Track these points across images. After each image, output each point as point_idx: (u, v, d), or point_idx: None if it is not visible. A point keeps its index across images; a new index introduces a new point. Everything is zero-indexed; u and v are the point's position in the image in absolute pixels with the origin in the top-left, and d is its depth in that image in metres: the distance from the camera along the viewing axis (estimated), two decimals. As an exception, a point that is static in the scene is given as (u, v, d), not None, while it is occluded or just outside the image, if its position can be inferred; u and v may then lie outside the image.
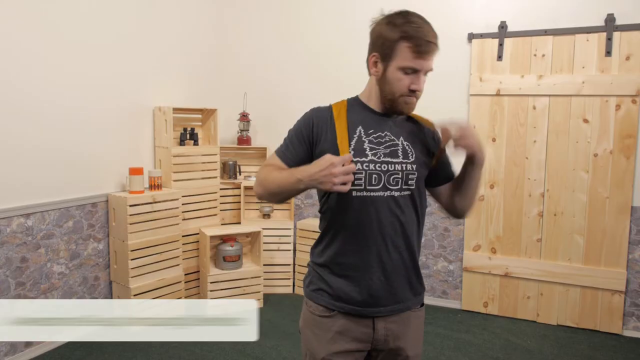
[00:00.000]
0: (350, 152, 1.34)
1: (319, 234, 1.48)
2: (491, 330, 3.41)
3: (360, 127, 1.39)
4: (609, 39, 3.25)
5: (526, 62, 3.49)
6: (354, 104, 1.45)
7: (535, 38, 3.45)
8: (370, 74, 1.42)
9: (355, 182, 1.32)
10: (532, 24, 3.47)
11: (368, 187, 1.35)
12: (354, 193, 1.34)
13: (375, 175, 1.35)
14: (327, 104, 1.48)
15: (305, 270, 1.63)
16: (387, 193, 1.36)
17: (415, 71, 1.31)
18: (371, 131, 1.38)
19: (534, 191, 3.53)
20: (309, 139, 1.41)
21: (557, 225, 3.48)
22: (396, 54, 1.30)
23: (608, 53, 3.27)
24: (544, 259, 3.53)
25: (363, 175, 1.34)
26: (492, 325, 3.50)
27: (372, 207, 1.35)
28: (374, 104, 1.42)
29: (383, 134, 1.39)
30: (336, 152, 1.33)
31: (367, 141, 1.37)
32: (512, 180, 3.58)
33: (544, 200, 3.51)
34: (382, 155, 1.36)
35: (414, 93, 1.34)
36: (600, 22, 3.29)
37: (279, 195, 1.37)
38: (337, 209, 1.38)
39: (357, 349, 1.40)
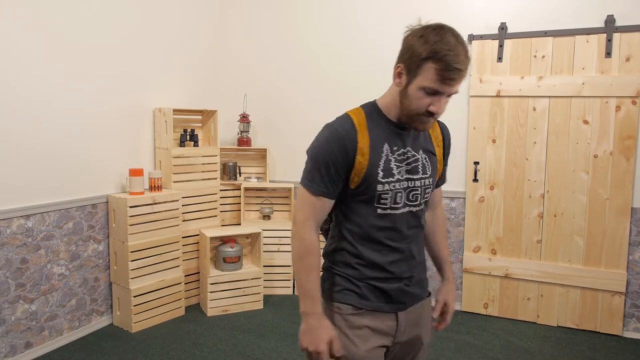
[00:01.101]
0: (379, 173, 1.33)
1: (334, 237, 1.46)
2: (491, 332, 3.41)
3: (386, 145, 1.35)
4: (609, 40, 3.26)
5: (526, 63, 3.49)
6: (373, 113, 1.37)
7: (535, 39, 3.45)
8: (395, 85, 1.33)
9: (381, 201, 1.35)
10: (532, 25, 3.48)
11: (392, 206, 1.37)
12: (378, 211, 1.37)
13: (399, 194, 1.37)
14: (344, 114, 1.37)
15: None
16: (407, 209, 1.40)
17: (437, 93, 1.24)
18: (395, 148, 1.36)
19: (534, 192, 3.53)
20: (345, 166, 1.32)
21: (557, 226, 3.48)
22: (421, 72, 1.22)
23: (608, 54, 3.27)
24: (544, 260, 3.53)
25: (390, 195, 1.36)
26: (492, 327, 3.49)
27: (395, 221, 1.39)
28: (394, 115, 1.36)
29: (405, 150, 1.38)
30: (368, 175, 1.33)
31: (392, 159, 1.35)
32: (512, 182, 3.58)
33: (544, 201, 3.51)
34: (405, 173, 1.37)
35: (432, 115, 1.27)
36: (600, 24, 3.30)
37: (296, 279, 1.40)
38: (360, 222, 1.39)
39: (384, 344, 1.42)
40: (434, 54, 1.19)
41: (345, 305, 1.41)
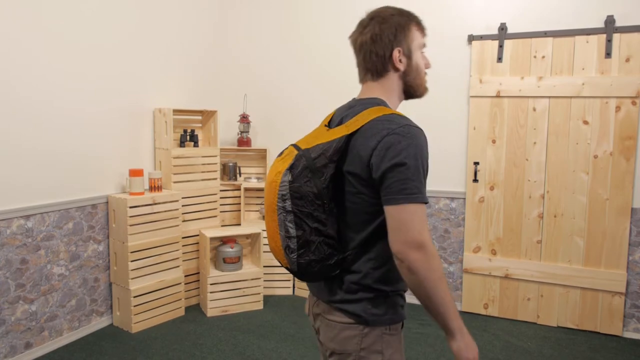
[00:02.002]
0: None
1: (371, 250, 1.28)
2: (491, 332, 3.41)
3: None
4: (609, 41, 3.26)
5: (526, 63, 3.49)
6: None
7: (535, 39, 3.46)
8: (394, 71, 1.31)
9: None
10: (532, 25, 3.48)
11: None
12: None
13: None
14: (399, 115, 1.24)
15: None
16: None
17: (424, 46, 1.37)
18: None
19: (534, 193, 3.53)
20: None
21: (557, 226, 3.48)
22: (412, 37, 1.32)
23: (608, 55, 3.27)
24: (544, 260, 3.53)
25: None
26: (492, 327, 3.49)
27: None
28: (393, 108, 1.35)
29: None
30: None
31: None
32: (512, 182, 3.58)
33: (544, 201, 3.51)
34: None
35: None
36: (600, 24, 3.30)
37: (427, 301, 1.18)
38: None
39: None
40: (411, 18, 1.32)
41: (398, 323, 1.31)
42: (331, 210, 1.26)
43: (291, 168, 1.22)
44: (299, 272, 1.28)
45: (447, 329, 1.19)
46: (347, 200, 1.27)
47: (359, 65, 1.35)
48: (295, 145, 1.28)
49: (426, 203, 1.17)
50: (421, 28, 1.34)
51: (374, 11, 1.33)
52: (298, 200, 1.22)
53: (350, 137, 1.24)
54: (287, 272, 4.04)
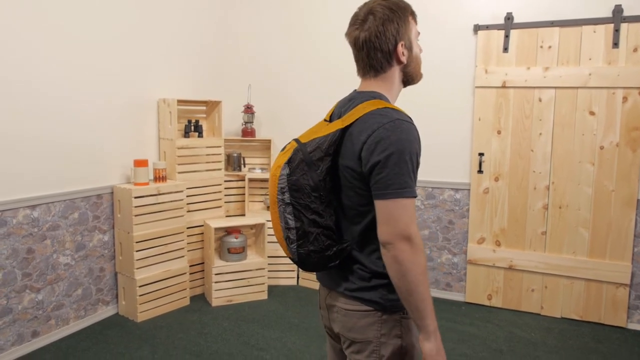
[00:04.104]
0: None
1: (373, 241, 1.29)
2: (495, 323, 3.42)
3: None
4: (617, 31, 3.22)
5: (532, 53, 3.46)
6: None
7: (541, 29, 3.42)
8: (397, 64, 1.31)
9: None
10: (538, 15, 3.44)
11: None
12: None
13: None
14: (395, 110, 1.23)
15: None
16: None
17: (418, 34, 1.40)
18: None
19: (539, 184, 3.52)
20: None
21: (562, 218, 3.47)
22: (410, 27, 1.33)
23: (615, 45, 3.24)
24: (549, 251, 3.52)
25: None
26: (496, 318, 3.50)
27: None
28: (393, 101, 1.36)
29: None
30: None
31: None
32: (517, 173, 3.57)
33: (549, 193, 3.50)
34: None
35: None
36: (608, 14, 3.26)
37: (407, 295, 1.17)
38: None
39: None
40: (407, 9, 1.33)
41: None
42: (329, 202, 1.28)
43: (289, 162, 1.25)
44: (300, 262, 1.31)
45: (422, 327, 1.19)
46: (343, 192, 1.30)
47: (360, 60, 1.33)
48: (296, 140, 1.30)
49: (415, 197, 1.18)
50: (414, 17, 1.35)
51: (368, 5, 1.30)
52: (295, 193, 1.25)
53: (345, 130, 1.26)
54: (292, 262, 4.06)
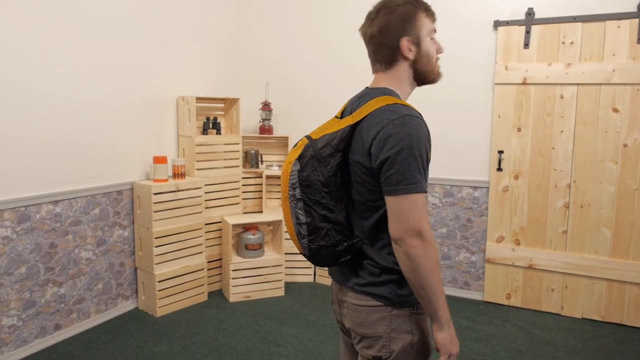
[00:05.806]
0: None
1: (383, 237, 1.30)
2: (514, 323, 3.38)
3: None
4: (642, 26, 3.15)
5: (554, 49, 3.40)
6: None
7: (563, 25, 3.36)
8: (404, 60, 1.31)
9: None
10: (560, 10, 3.38)
11: None
12: None
13: None
14: (403, 105, 1.23)
15: None
16: None
17: (434, 31, 1.35)
18: None
19: (560, 182, 3.46)
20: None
21: (584, 217, 3.41)
22: (420, 25, 1.30)
23: (640, 40, 3.17)
24: (570, 251, 3.46)
25: None
26: (515, 318, 3.46)
27: None
28: (404, 98, 1.35)
29: None
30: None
31: None
32: (538, 171, 3.52)
33: (571, 191, 3.44)
34: None
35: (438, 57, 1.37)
36: (633, 8, 3.18)
37: (420, 289, 1.18)
38: None
39: None
40: (418, 6, 1.31)
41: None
42: (339, 197, 1.29)
43: (300, 158, 1.27)
44: (311, 257, 1.33)
45: (436, 319, 1.22)
46: (354, 188, 1.30)
47: (370, 56, 1.36)
48: (307, 136, 1.31)
49: (425, 192, 1.18)
50: (430, 14, 1.32)
51: (380, 2, 1.33)
52: (306, 188, 1.26)
53: (355, 126, 1.27)
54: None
